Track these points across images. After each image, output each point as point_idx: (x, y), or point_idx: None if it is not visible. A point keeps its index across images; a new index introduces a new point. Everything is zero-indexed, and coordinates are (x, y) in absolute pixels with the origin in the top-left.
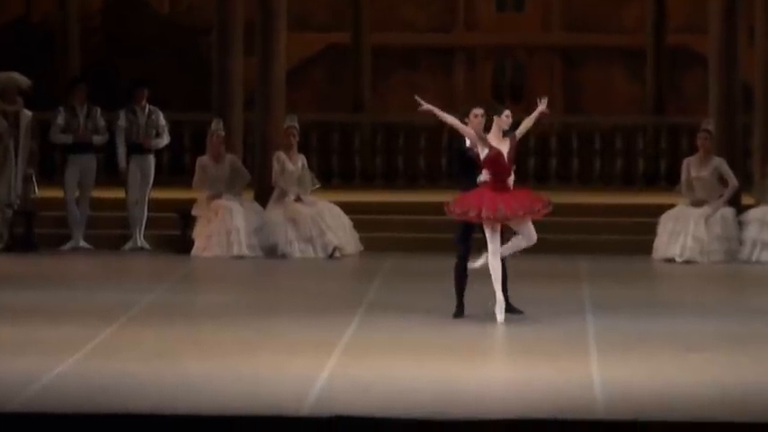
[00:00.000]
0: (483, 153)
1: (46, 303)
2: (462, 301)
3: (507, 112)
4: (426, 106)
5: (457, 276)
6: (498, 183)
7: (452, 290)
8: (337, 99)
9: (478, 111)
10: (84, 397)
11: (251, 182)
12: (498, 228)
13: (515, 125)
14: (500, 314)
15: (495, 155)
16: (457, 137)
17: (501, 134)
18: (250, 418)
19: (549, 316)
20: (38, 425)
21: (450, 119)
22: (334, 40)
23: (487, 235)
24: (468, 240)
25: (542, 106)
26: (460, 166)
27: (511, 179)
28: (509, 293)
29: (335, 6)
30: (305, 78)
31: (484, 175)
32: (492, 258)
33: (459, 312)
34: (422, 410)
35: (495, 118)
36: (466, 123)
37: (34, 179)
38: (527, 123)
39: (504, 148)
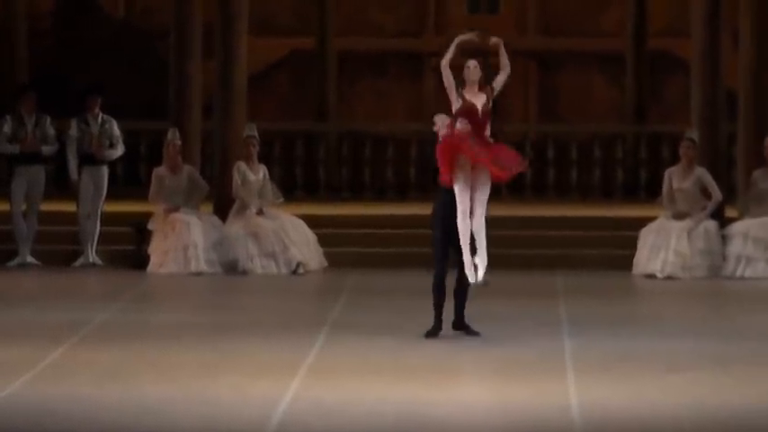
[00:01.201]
0: (456, 106)
1: None
2: (441, 319)
3: (473, 62)
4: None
5: (435, 294)
6: (476, 135)
7: (421, 307)
8: (301, 106)
9: (471, 62)
10: (32, 421)
11: (210, 194)
12: (468, 188)
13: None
14: (471, 276)
15: (467, 108)
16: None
17: (476, 87)
18: None
19: (525, 334)
20: None
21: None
22: (299, 44)
23: (457, 195)
24: (446, 258)
25: (493, 39)
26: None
27: (487, 131)
28: (465, 312)
29: (300, 9)
30: (268, 84)
31: (460, 123)
32: (461, 221)
33: (435, 331)
34: None
35: (465, 71)
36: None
37: None
38: (501, 77)
39: (479, 101)
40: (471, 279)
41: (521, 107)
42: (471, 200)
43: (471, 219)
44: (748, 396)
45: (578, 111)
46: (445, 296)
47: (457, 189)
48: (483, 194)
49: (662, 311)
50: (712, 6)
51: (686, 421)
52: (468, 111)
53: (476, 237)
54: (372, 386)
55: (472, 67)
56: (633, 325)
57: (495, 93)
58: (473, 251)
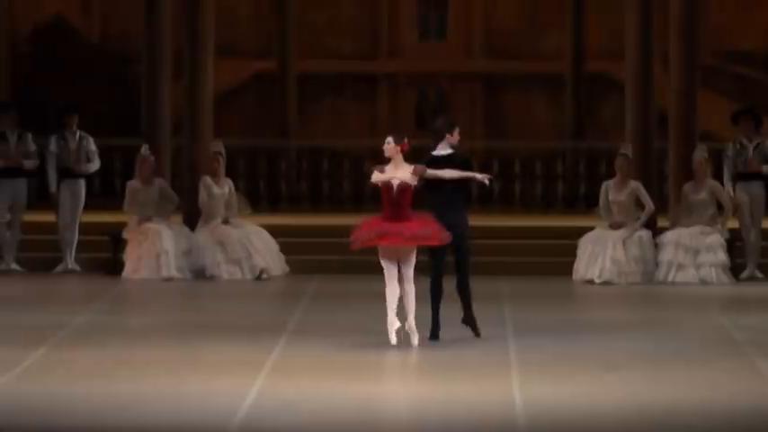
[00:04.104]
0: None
1: None
2: (438, 319)
3: (388, 139)
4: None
5: (432, 295)
6: (389, 211)
7: (377, 310)
8: (265, 124)
9: (388, 139)
10: (14, 416)
11: (180, 205)
12: (394, 257)
13: (449, 157)
14: (393, 337)
15: (383, 185)
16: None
17: (401, 163)
18: None
19: (471, 337)
20: None
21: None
22: (262, 66)
23: (383, 263)
24: (442, 261)
25: (480, 176)
26: (427, 185)
27: (408, 208)
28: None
29: (262, 34)
30: (234, 104)
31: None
32: (387, 287)
33: (435, 332)
34: (346, 429)
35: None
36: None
37: None
38: (447, 173)
39: (399, 177)
40: (393, 342)
41: (468, 125)
42: (399, 270)
43: (401, 284)
44: (678, 392)
45: (521, 128)
46: (441, 297)
47: (382, 261)
48: (408, 268)
49: (599, 315)
50: (645, 32)
51: (622, 416)
52: (384, 188)
53: (405, 302)
54: (331, 384)
55: (386, 145)
56: (572, 327)
57: (431, 175)
58: (403, 316)
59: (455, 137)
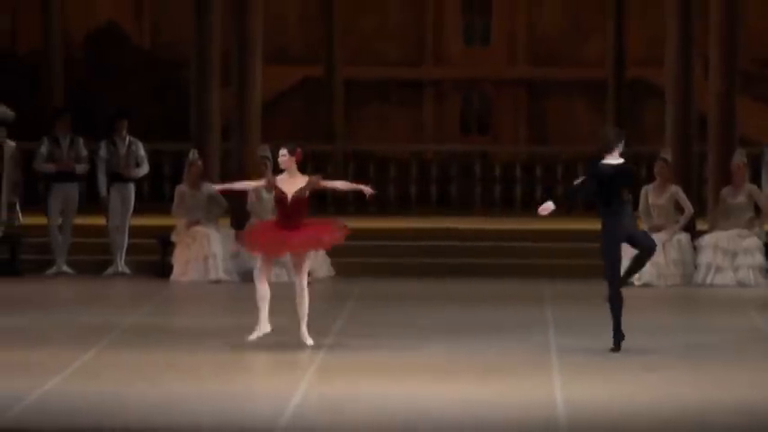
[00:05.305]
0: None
1: (30, 326)
2: (620, 329)
3: (282, 151)
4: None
5: (612, 309)
6: (283, 221)
7: (422, 312)
8: (312, 129)
9: (281, 151)
10: (66, 415)
11: (228, 209)
12: (269, 259)
13: (619, 167)
14: (254, 335)
15: (276, 196)
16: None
17: (295, 173)
18: None
19: (515, 336)
20: None
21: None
22: (309, 72)
23: (258, 262)
24: (616, 278)
25: (365, 188)
26: (598, 186)
27: (302, 217)
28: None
29: (310, 40)
30: (282, 109)
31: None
32: (258, 284)
33: (618, 342)
34: (392, 428)
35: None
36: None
37: (18, 207)
38: (339, 184)
39: (291, 189)
40: (251, 338)
41: (511, 130)
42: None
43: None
44: (721, 392)
45: (563, 133)
46: (621, 310)
47: (258, 260)
48: (300, 276)
49: (639, 316)
50: (685, 38)
51: (663, 416)
52: (277, 199)
53: (299, 310)
54: (376, 384)
55: (281, 157)
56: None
57: (323, 186)
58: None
59: (621, 148)
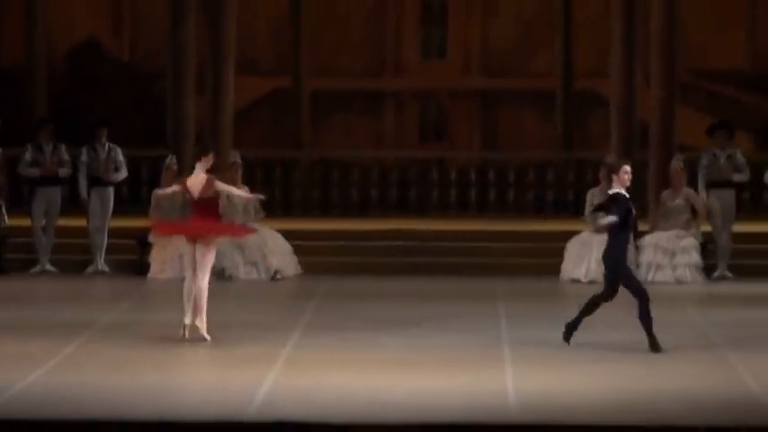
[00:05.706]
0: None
1: (15, 321)
2: (652, 333)
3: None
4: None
5: (642, 317)
6: (194, 216)
7: (384, 308)
8: (280, 137)
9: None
10: (50, 405)
11: None
12: (191, 252)
13: (612, 196)
14: (185, 332)
15: (186, 194)
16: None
17: (203, 177)
18: (200, 423)
19: (471, 330)
20: (7, 431)
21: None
22: (278, 84)
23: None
24: (642, 288)
25: (254, 197)
26: (623, 213)
27: (212, 215)
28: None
29: (279, 53)
30: (253, 118)
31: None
32: (186, 281)
33: (655, 344)
34: (355, 416)
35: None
36: None
37: (4, 209)
38: (234, 190)
39: (196, 189)
40: (184, 336)
41: (466, 138)
42: (196, 261)
43: (194, 281)
44: (659, 383)
45: (514, 141)
46: (651, 318)
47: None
48: (201, 269)
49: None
50: (628, 52)
51: (609, 404)
52: (188, 197)
53: (197, 298)
54: (341, 375)
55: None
56: (561, 322)
57: (219, 188)
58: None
59: (622, 178)
